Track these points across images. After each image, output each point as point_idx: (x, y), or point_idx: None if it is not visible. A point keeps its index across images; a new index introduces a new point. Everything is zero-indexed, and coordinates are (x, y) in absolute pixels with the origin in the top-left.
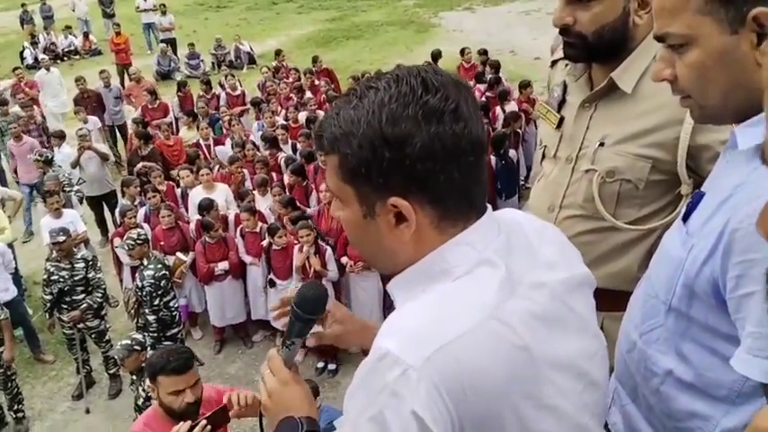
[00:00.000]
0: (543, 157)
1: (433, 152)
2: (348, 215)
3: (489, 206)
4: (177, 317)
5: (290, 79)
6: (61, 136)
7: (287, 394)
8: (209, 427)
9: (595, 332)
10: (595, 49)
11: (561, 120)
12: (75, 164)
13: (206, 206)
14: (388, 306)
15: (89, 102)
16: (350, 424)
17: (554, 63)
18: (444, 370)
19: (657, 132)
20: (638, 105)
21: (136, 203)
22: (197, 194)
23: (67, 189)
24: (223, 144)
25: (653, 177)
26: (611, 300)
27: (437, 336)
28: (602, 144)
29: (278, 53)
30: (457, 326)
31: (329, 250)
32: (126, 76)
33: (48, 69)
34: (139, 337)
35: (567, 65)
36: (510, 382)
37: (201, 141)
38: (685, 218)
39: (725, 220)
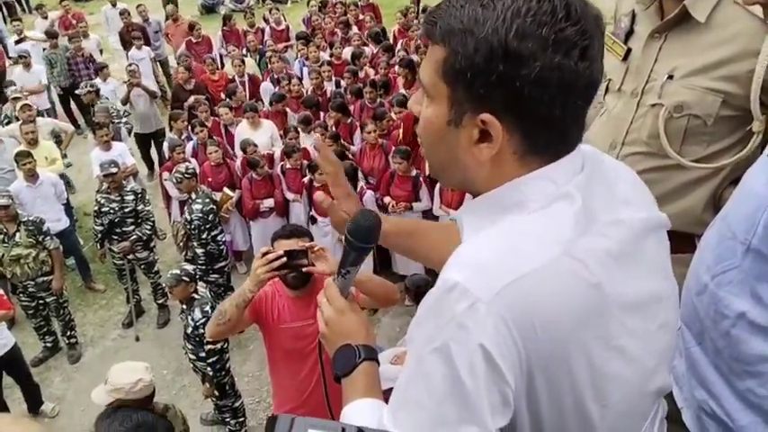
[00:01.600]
0: (607, 90)
1: (548, 82)
2: (430, 115)
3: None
4: (224, 250)
5: (336, 14)
6: (107, 67)
7: (344, 322)
8: (284, 258)
9: (668, 275)
10: None
11: (628, 51)
12: (126, 101)
13: (245, 147)
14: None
15: (134, 36)
16: (414, 354)
17: None
18: (514, 305)
19: (731, 64)
20: (711, 35)
21: (183, 138)
22: (242, 131)
23: (116, 121)
24: (264, 80)
25: (723, 113)
26: (673, 241)
27: (508, 270)
28: (670, 77)
29: None
30: (529, 261)
31: (369, 193)
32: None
33: (113, 4)
34: (189, 268)
35: None
36: (580, 321)
37: (237, 78)
38: None
39: None
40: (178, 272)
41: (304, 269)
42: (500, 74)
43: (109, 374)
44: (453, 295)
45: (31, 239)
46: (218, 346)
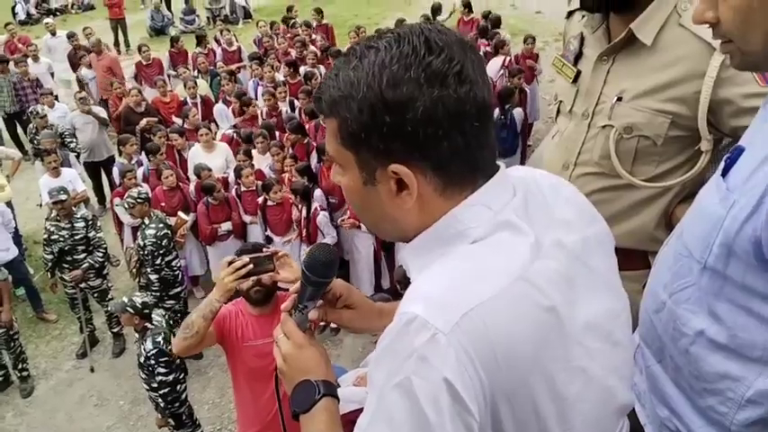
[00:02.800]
0: (558, 112)
1: (435, 117)
2: (348, 181)
3: (503, 164)
4: (180, 276)
5: (289, 34)
6: (51, 93)
7: (302, 357)
8: (251, 265)
9: (619, 291)
10: (612, 0)
11: (578, 74)
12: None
13: (199, 172)
14: (379, 268)
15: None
16: (375, 393)
17: (570, 14)
18: (474, 334)
19: (678, 86)
20: (657, 58)
21: (133, 162)
22: (196, 154)
23: (67, 141)
24: (216, 102)
25: (672, 133)
26: (625, 258)
27: (465, 299)
28: (619, 99)
29: (290, 9)
30: (485, 288)
31: (322, 215)
32: (119, 32)
33: (53, 33)
34: (139, 300)
35: (583, 16)
36: (540, 345)
37: (189, 100)
38: (724, 173)
39: None
40: (125, 300)
41: (270, 275)
42: (389, 125)
43: None
44: (412, 328)
45: None
46: (171, 377)
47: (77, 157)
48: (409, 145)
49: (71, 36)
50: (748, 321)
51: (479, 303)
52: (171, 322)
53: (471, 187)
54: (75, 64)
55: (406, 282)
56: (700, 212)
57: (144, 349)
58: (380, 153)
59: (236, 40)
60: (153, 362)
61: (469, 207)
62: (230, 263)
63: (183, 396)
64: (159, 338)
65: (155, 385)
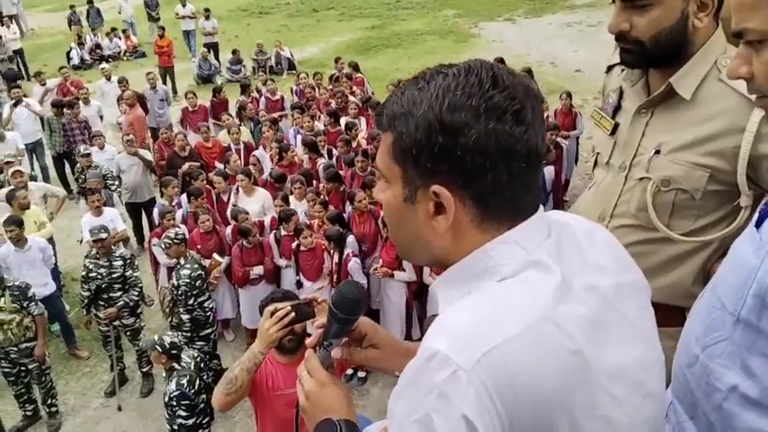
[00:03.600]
0: (596, 164)
1: (486, 148)
2: (389, 197)
3: (541, 207)
4: (211, 317)
5: (330, 85)
6: (102, 136)
7: (325, 396)
8: (292, 314)
9: (653, 342)
10: (653, 55)
11: (616, 126)
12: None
13: (236, 215)
14: (410, 317)
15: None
16: (396, 427)
17: (610, 68)
18: (495, 372)
19: (717, 140)
20: (696, 112)
21: (173, 204)
22: (238, 198)
23: (110, 184)
24: (257, 148)
25: (710, 187)
26: (662, 314)
27: (488, 337)
28: (657, 152)
29: (337, 60)
30: (509, 327)
31: (354, 261)
32: (168, 80)
33: (108, 78)
34: (168, 340)
35: (623, 70)
36: (563, 388)
37: (232, 146)
38: (758, 224)
39: None
40: (155, 339)
41: (311, 321)
42: (441, 146)
43: None
44: (433, 364)
45: (15, 305)
46: (191, 421)
47: (120, 196)
48: (455, 170)
49: (121, 81)
50: None
51: (502, 342)
52: (201, 365)
53: (509, 225)
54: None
55: None
56: (734, 263)
57: (168, 390)
58: (426, 172)
59: (279, 90)
60: (175, 404)
61: (503, 244)
62: (273, 312)
63: (203, 426)
64: (183, 381)
65: (175, 427)
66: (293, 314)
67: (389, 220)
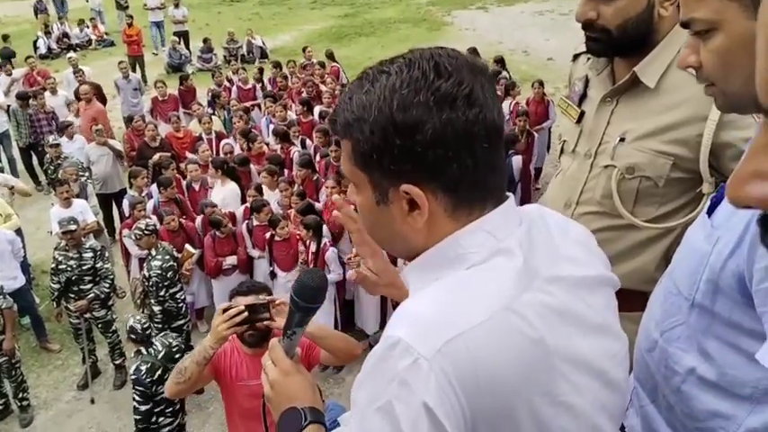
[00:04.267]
0: (562, 152)
1: (444, 139)
2: (362, 200)
3: (511, 195)
4: (183, 308)
5: (302, 74)
6: (71, 125)
7: (289, 384)
8: (245, 314)
9: (617, 333)
10: (619, 44)
11: (582, 114)
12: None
13: (203, 207)
14: (386, 305)
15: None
16: (358, 415)
17: (576, 57)
18: (457, 361)
19: (680, 129)
20: (660, 101)
21: (144, 195)
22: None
23: (82, 176)
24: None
25: (674, 175)
26: (625, 299)
27: (450, 326)
28: (622, 140)
29: (305, 49)
30: (471, 316)
31: (331, 250)
32: (138, 69)
33: (75, 68)
34: (137, 325)
35: (588, 58)
36: (524, 376)
37: (204, 135)
38: (710, 211)
39: (752, 211)
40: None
41: (265, 323)
42: (399, 147)
43: None
44: (396, 352)
45: None
46: (143, 408)
47: (93, 187)
48: (419, 166)
49: (76, 72)
50: (737, 358)
51: (464, 331)
52: (176, 356)
53: (480, 211)
54: (81, 101)
55: None
56: (687, 250)
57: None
58: (392, 174)
59: (252, 79)
60: (132, 387)
61: (473, 232)
62: (225, 309)
63: (163, 424)
64: (142, 367)
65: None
66: (246, 314)
67: (365, 222)
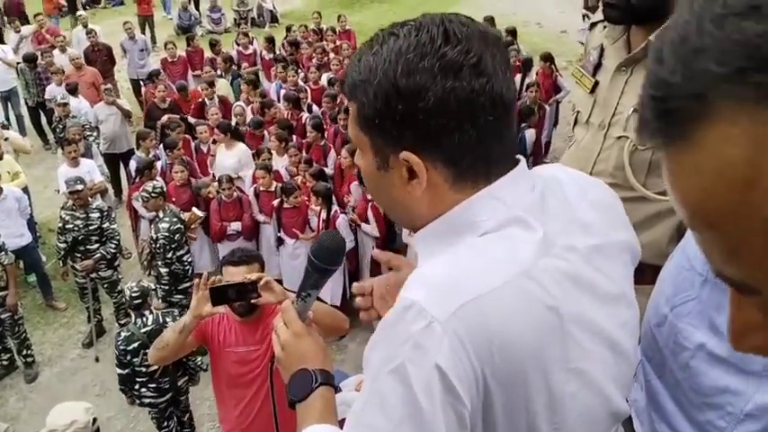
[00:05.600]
0: (576, 122)
1: (446, 108)
2: (364, 164)
3: (522, 160)
4: (190, 271)
5: (312, 40)
6: (77, 85)
7: (300, 346)
8: (233, 293)
9: (630, 302)
10: (637, 11)
11: (596, 84)
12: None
13: (197, 190)
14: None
15: (99, 55)
16: (370, 375)
17: (593, 25)
18: (471, 325)
19: None
20: None
21: (151, 156)
22: (218, 151)
23: (88, 135)
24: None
25: None
26: (638, 272)
27: (465, 290)
28: (636, 110)
29: (313, 14)
30: (486, 281)
31: (342, 218)
32: (147, 29)
33: (85, 26)
34: (133, 291)
35: (605, 27)
36: (538, 342)
37: (207, 100)
38: None
39: None
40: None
41: (252, 300)
42: (401, 112)
43: (48, 415)
44: (409, 315)
45: None
46: (121, 371)
47: (98, 147)
48: (420, 134)
49: (89, 32)
50: None
51: (479, 295)
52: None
53: (485, 181)
54: (91, 61)
55: None
56: None
57: None
58: (393, 139)
59: (255, 44)
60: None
61: (483, 199)
62: (209, 285)
63: (145, 396)
64: (122, 334)
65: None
66: (229, 291)
67: (368, 186)
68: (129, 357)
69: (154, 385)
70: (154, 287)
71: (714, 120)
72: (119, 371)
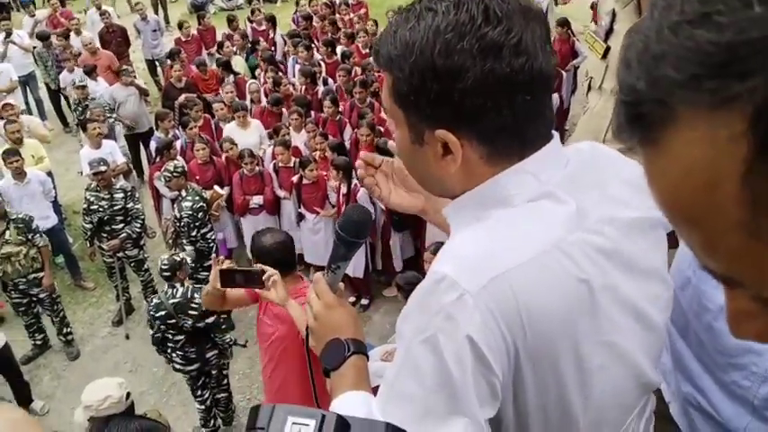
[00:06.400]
0: (590, 88)
1: (484, 89)
2: (398, 137)
3: (556, 135)
4: (214, 248)
5: (324, 14)
6: (95, 68)
7: (333, 317)
8: (241, 279)
9: (663, 276)
10: None
11: (607, 49)
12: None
13: (223, 144)
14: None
15: (114, 37)
16: (403, 346)
17: None
18: (501, 298)
19: None
20: None
21: (170, 136)
22: (230, 131)
23: (109, 117)
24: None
25: None
26: None
27: (496, 263)
28: None
29: None
30: (517, 254)
31: (362, 191)
32: (159, 8)
33: (98, 8)
34: (165, 262)
35: None
36: (568, 315)
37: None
38: None
39: None
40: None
41: (256, 290)
42: (437, 92)
43: (83, 392)
44: (442, 287)
45: (21, 237)
46: (155, 336)
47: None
48: (456, 113)
49: (103, 14)
50: None
51: (510, 268)
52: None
53: (519, 156)
54: (105, 42)
55: (407, 287)
56: None
57: None
58: (428, 117)
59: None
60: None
61: (516, 174)
62: (222, 270)
63: (175, 361)
64: (153, 300)
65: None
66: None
67: (402, 157)
68: (157, 323)
69: (181, 353)
70: (183, 260)
71: (678, 124)
72: (151, 332)
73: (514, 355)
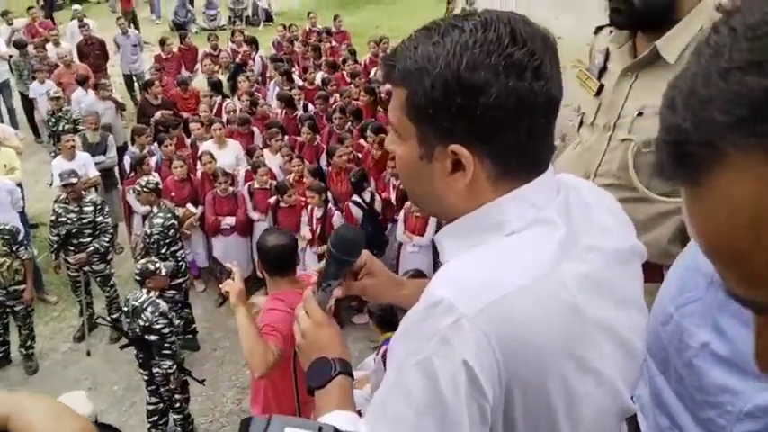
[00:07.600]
0: (581, 124)
1: (506, 106)
2: (403, 152)
3: (552, 165)
4: (183, 267)
5: (308, 40)
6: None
7: (321, 335)
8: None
9: (640, 305)
10: (642, 17)
11: (601, 87)
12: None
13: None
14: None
15: (92, 49)
16: (395, 368)
17: (599, 29)
18: (497, 322)
19: None
20: None
21: (145, 152)
22: (208, 148)
23: (80, 130)
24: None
25: None
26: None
27: (493, 288)
28: (640, 114)
29: (309, 14)
30: (514, 280)
31: (336, 215)
32: (132, 25)
33: (80, 20)
34: (141, 267)
35: (611, 31)
36: (560, 341)
37: (202, 97)
38: None
39: None
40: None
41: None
42: (459, 106)
43: None
44: (438, 310)
45: (5, 248)
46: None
47: None
48: (474, 129)
49: (83, 26)
50: (751, 335)
51: (506, 294)
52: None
53: (524, 182)
54: (84, 54)
55: (378, 314)
56: None
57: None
58: (444, 131)
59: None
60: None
61: (514, 200)
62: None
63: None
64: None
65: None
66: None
67: (402, 173)
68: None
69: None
70: (158, 269)
71: (725, 165)
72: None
73: (506, 381)
